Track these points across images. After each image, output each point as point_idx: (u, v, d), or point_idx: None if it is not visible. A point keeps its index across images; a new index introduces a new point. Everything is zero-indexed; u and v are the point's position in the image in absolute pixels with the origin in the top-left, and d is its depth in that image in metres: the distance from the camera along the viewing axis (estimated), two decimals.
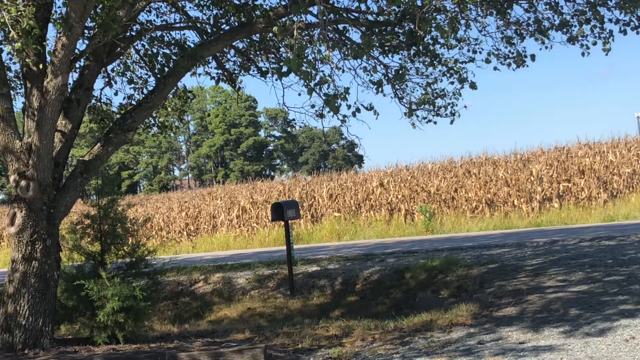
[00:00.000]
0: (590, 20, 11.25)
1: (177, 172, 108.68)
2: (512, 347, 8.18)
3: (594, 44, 11.68)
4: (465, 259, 14.97)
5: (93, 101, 13.39)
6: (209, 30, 12.81)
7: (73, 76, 11.30)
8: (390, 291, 14.53)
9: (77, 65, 11.48)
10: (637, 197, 26.19)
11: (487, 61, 12.53)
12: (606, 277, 11.88)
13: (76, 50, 10.19)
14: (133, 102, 13.83)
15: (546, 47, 12.27)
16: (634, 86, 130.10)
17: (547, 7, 11.64)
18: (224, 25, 12.61)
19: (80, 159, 10.73)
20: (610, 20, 11.24)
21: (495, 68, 12.59)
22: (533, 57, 12.27)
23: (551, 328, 8.85)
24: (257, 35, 12.60)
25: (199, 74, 14.27)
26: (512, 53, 12.43)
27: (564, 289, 11.34)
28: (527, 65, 12.36)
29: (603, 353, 7.38)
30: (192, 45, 12.29)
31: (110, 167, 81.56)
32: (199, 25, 12.92)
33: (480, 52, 12.65)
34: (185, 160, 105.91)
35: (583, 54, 11.98)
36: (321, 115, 12.54)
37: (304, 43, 9.40)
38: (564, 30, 11.74)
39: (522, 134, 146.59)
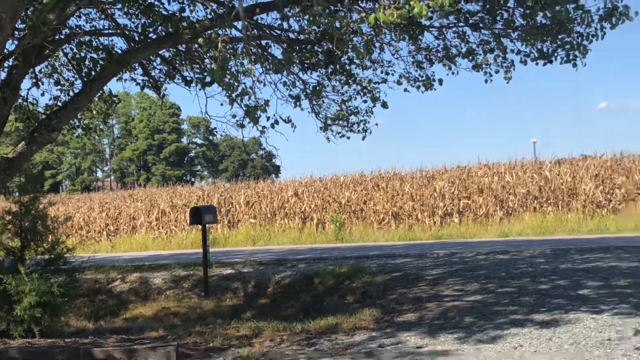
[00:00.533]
0: (494, 50, 11.50)
1: (99, 174, 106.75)
2: (410, 350, 8.25)
3: (497, 72, 11.95)
4: (371, 267, 15.04)
5: (20, 100, 13.07)
6: (137, 38, 12.64)
7: (1, 75, 11.03)
8: (300, 295, 14.51)
9: (6, 65, 11.19)
10: (530, 216, 26.79)
11: (399, 83, 12.71)
12: (499, 288, 12.09)
13: (5, 50, 9.91)
14: (59, 104, 13.55)
15: (453, 73, 12.48)
16: (532, 113, 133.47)
17: (455, 35, 11.86)
18: (152, 34, 12.45)
19: (4, 156, 10.45)
20: (512, 51, 11.50)
21: (405, 89, 12.76)
22: (441, 81, 12.51)
23: (447, 334, 8.96)
24: (183, 45, 12.48)
25: (125, 80, 14.11)
26: (422, 76, 12.63)
27: (460, 298, 11.50)
28: (435, 89, 12.61)
29: (493, 358, 7.51)
30: (120, 52, 12.12)
31: (33, 165, 79.48)
32: (127, 32, 12.74)
33: (392, 74, 12.84)
34: (109, 163, 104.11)
35: (486, 81, 12.24)
36: (242, 126, 12.50)
37: (228, 56, 9.31)
38: (470, 57, 11.98)
39: (428, 153, 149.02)
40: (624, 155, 29.35)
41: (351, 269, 14.83)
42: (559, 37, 10.58)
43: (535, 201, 27.93)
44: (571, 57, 10.82)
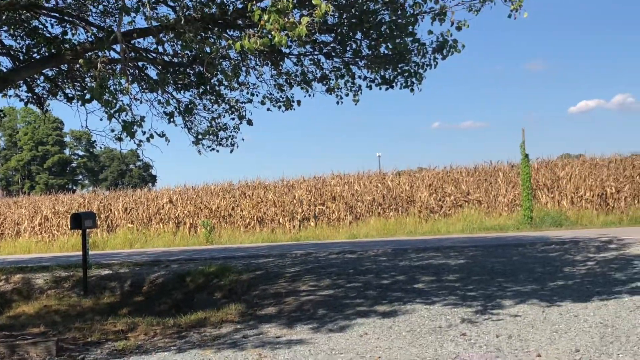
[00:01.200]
0: (344, 75, 11.67)
1: None
2: (270, 340, 8.20)
3: (347, 95, 12.12)
4: (237, 267, 14.90)
5: None
6: (22, 58, 12.09)
7: None
8: (173, 293, 14.18)
9: None
10: (375, 220, 27.31)
11: (262, 103, 12.68)
12: (348, 283, 12.21)
13: None
14: None
15: (310, 95, 12.57)
16: (378, 130, 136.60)
17: (311, 62, 11.96)
18: (35, 54, 11.94)
19: None
20: (359, 77, 11.70)
21: (268, 109, 12.74)
22: (299, 102, 12.58)
23: (303, 325, 8.96)
24: (65, 65, 11.99)
25: (10, 96, 13.40)
26: (283, 98, 12.66)
27: (315, 292, 11.55)
28: (294, 109, 12.67)
29: (342, 345, 7.55)
30: (5, 70, 11.51)
31: None
32: (12, 52, 12.15)
33: (257, 95, 12.79)
34: None
35: (338, 103, 12.39)
36: (119, 139, 12.08)
37: (107, 75, 9.02)
38: (324, 82, 12.10)
39: (290, 164, 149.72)
40: (452, 167, 30.41)
41: (219, 268, 14.65)
42: (399, 65, 10.86)
43: (380, 207, 28.50)
44: (409, 83, 11.14)
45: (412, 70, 10.92)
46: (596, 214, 24.67)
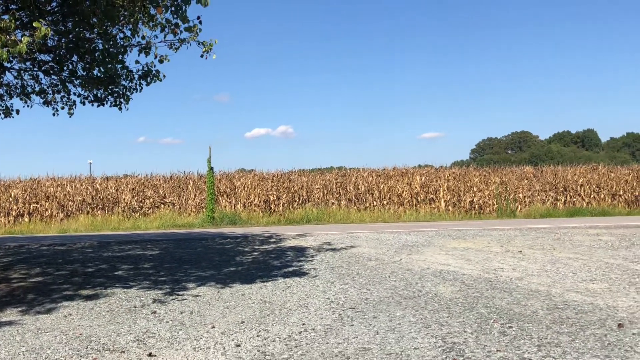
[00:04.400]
0: (60, 91, 10.82)
1: None
2: None
3: (62, 108, 11.26)
4: None
5: None
6: None
7: None
8: None
9: None
10: (84, 217, 25.69)
11: None
12: (57, 272, 11.25)
13: None
14: None
15: (29, 106, 11.50)
16: (90, 141, 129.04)
17: (31, 77, 10.90)
18: None
19: None
20: (74, 94, 10.90)
21: None
22: (18, 111, 11.39)
23: (12, 308, 7.98)
24: None
25: None
26: (2, 107, 11.34)
27: (26, 279, 10.41)
28: (14, 117, 11.45)
29: (48, 325, 6.85)
30: None
31: None
32: None
33: None
34: None
35: (54, 114, 11.43)
36: None
37: None
38: (42, 95, 11.10)
39: (5, 166, 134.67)
40: (152, 175, 29.78)
41: None
42: (110, 87, 10.36)
43: (89, 206, 26.89)
44: (118, 102, 10.68)
45: (120, 92, 10.49)
46: (262, 215, 25.86)
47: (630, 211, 26.51)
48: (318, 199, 27.12)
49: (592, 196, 27.54)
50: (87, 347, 5.79)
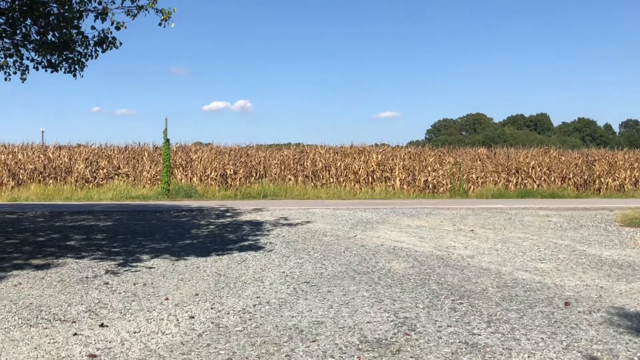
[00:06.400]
0: (13, 55, 10.39)
1: None
2: None
3: (15, 73, 10.83)
4: None
5: None
6: None
7: None
8: None
9: None
10: (35, 186, 24.99)
11: None
12: (6, 240, 10.95)
13: None
14: None
15: None
16: (42, 108, 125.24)
17: None
18: None
19: None
20: (28, 58, 10.51)
21: None
22: None
23: None
24: None
25: None
26: None
27: None
28: None
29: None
30: None
31: None
32: None
33: None
34: None
35: (6, 79, 10.99)
36: None
37: None
38: None
39: None
40: (107, 145, 29.12)
41: None
42: (64, 53, 10.00)
43: (40, 175, 26.16)
44: (72, 69, 10.34)
45: (75, 58, 10.15)
46: (218, 189, 25.66)
47: (578, 194, 27.33)
48: (275, 174, 27.06)
49: (542, 178, 28.26)
50: (37, 317, 5.67)
